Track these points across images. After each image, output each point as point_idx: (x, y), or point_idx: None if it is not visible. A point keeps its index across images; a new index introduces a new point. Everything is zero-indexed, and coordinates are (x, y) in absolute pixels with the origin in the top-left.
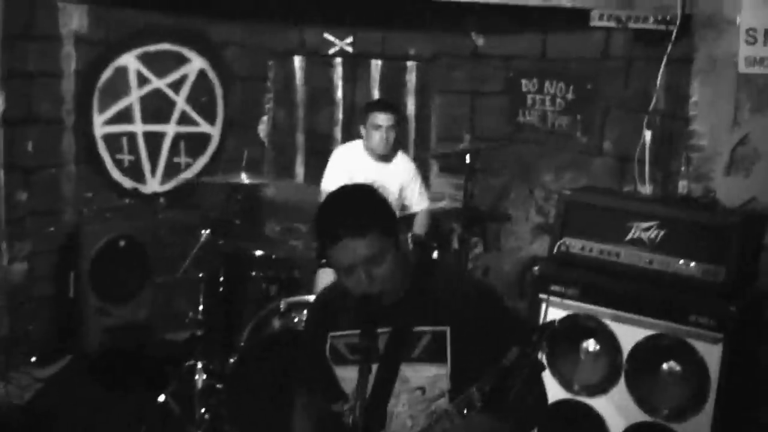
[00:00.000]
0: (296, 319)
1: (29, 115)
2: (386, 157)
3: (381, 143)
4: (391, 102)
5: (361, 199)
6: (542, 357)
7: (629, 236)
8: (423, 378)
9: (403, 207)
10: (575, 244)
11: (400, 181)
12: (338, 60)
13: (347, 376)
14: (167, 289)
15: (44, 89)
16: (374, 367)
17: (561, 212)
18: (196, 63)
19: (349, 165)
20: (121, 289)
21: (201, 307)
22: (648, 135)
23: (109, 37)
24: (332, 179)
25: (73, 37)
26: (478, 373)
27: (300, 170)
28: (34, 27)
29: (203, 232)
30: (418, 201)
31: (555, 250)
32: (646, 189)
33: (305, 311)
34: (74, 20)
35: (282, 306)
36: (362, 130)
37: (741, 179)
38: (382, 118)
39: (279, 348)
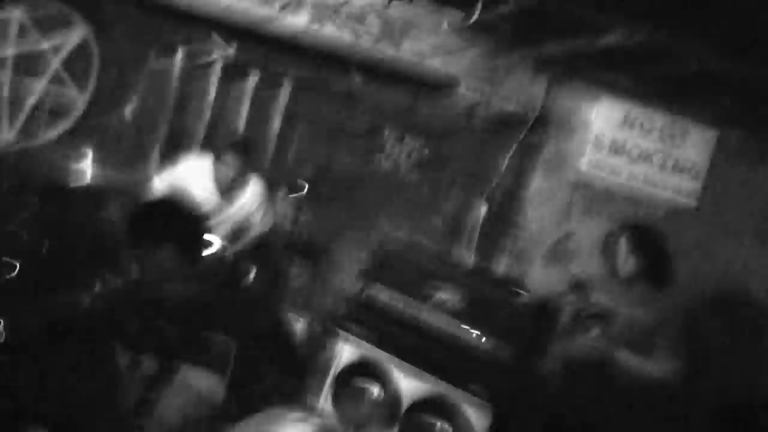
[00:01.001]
0: None
1: None
2: (229, 190)
3: (221, 181)
4: (240, 145)
5: (173, 212)
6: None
7: (433, 298)
8: None
9: (242, 223)
10: (382, 292)
11: (245, 200)
12: (218, 64)
13: None
14: None
15: None
16: None
17: (378, 259)
18: (81, 29)
19: (191, 178)
20: None
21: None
22: (484, 208)
23: None
24: (166, 182)
25: None
26: None
27: (154, 160)
28: None
29: None
30: (256, 222)
31: (361, 294)
32: (471, 257)
33: None
34: None
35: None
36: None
37: (556, 271)
38: (230, 160)
39: None
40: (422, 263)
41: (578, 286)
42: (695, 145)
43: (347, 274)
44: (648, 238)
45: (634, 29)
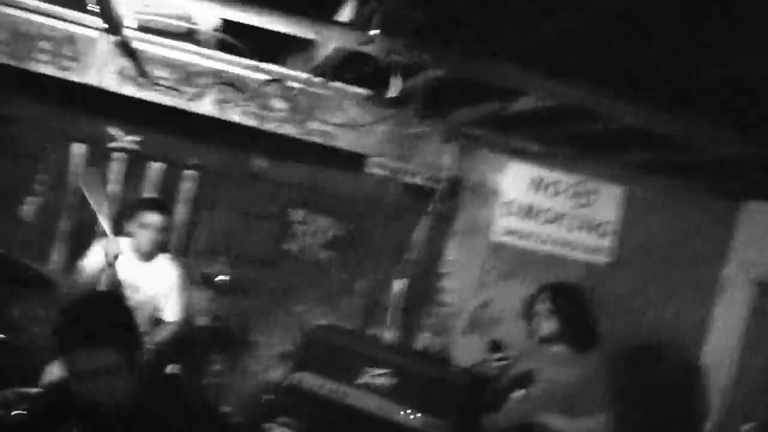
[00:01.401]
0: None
1: None
2: (150, 258)
3: (147, 243)
4: (164, 203)
5: (106, 310)
6: None
7: (361, 380)
8: None
9: (156, 311)
10: (309, 379)
11: (159, 284)
12: (118, 155)
13: None
14: None
15: None
16: None
17: (302, 346)
18: None
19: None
20: None
21: None
22: (400, 283)
23: None
24: (91, 265)
25: None
26: None
27: (57, 257)
28: None
29: None
30: (172, 310)
31: (286, 382)
32: (391, 335)
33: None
34: None
35: (9, 396)
36: (130, 227)
37: (477, 340)
38: (153, 219)
39: None
40: (348, 345)
41: (496, 349)
42: (604, 202)
43: (269, 364)
44: (567, 299)
45: (542, 93)
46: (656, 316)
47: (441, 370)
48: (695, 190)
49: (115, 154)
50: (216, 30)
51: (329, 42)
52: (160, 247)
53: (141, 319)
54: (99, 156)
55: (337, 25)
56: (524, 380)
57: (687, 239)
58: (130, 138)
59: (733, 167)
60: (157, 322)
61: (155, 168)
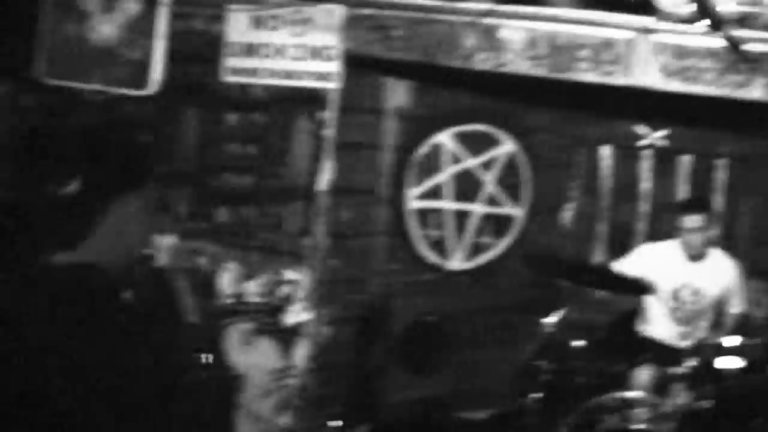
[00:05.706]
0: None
1: (349, 184)
2: (700, 257)
3: (694, 246)
4: (702, 201)
5: None
6: None
7: None
8: None
9: (721, 311)
10: None
11: (718, 282)
12: (646, 153)
13: None
14: (469, 366)
15: (364, 161)
16: None
17: None
18: (507, 145)
19: (657, 265)
20: (423, 363)
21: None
22: None
23: (428, 114)
24: (630, 268)
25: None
26: None
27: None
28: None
29: None
30: (736, 303)
31: None
32: None
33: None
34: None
35: (614, 401)
36: (676, 229)
37: None
38: (694, 220)
39: None
40: None
41: None
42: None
43: None
44: None
45: None
46: None
47: None
48: None
49: (644, 152)
50: None
51: None
52: (708, 244)
53: (706, 319)
54: (626, 156)
55: None
56: None
57: None
58: (658, 134)
59: None
60: (721, 318)
61: (684, 161)
